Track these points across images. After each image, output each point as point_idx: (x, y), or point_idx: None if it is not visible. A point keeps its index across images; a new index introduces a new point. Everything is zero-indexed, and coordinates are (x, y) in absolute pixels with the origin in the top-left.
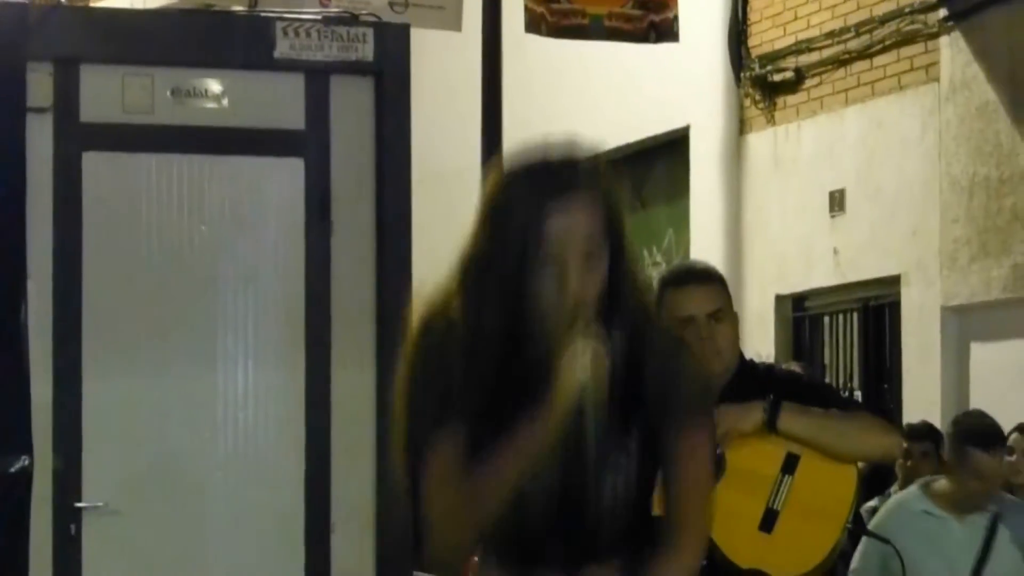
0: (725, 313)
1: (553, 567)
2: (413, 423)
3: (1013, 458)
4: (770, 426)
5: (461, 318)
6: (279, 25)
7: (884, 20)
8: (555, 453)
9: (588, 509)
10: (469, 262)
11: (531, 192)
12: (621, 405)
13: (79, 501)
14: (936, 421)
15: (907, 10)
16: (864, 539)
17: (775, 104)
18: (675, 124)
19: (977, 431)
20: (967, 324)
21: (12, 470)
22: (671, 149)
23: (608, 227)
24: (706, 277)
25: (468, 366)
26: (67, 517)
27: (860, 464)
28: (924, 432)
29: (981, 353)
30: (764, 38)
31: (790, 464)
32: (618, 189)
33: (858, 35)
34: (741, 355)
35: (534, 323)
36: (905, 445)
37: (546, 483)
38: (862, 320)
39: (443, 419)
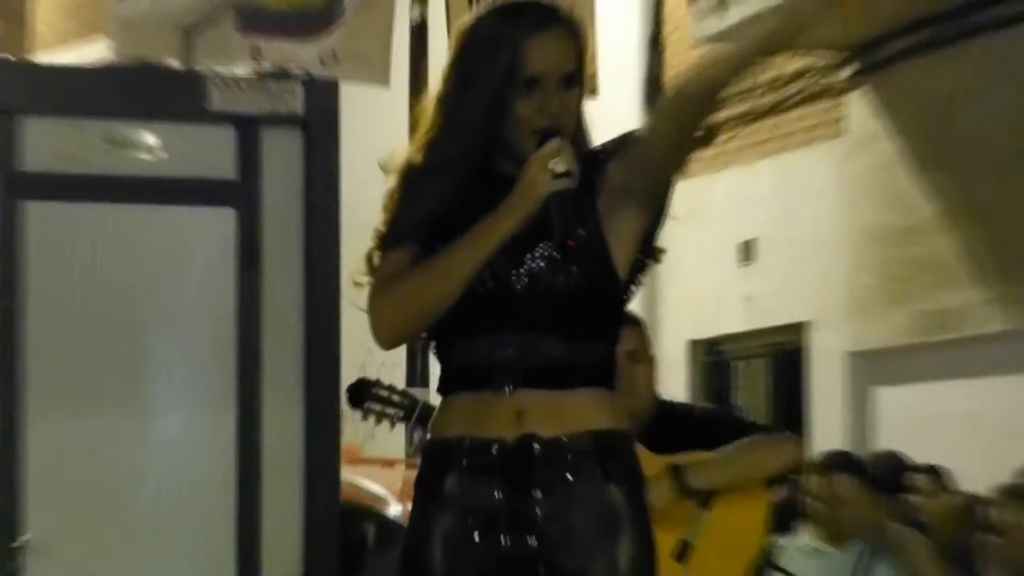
0: (642, 354)
1: (504, 348)
2: (380, 246)
3: (919, 498)
4: (684, 492)
5: (434, 145)
6: (212, 78)
7: (794, 77)
8: (516, 238)
9: (538, 287)
10: (448, 93)
11: (514, 22)
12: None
13: (15, 540)
14: None
15: (817, 67)
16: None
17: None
18: None
19: (839, 458)
20: (873, 369)
21: None
22: None
23: (577, 65)
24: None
25: (435, 188)
26: (4, 556)
27: (772, 498)
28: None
29: (886, 397)
30: None
31: (705, 500)
32: (585, 39)
33: (769, 91)
34: (659, 397)
35: (512, 141)
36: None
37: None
38: (772, 364)
39: (402, 238)
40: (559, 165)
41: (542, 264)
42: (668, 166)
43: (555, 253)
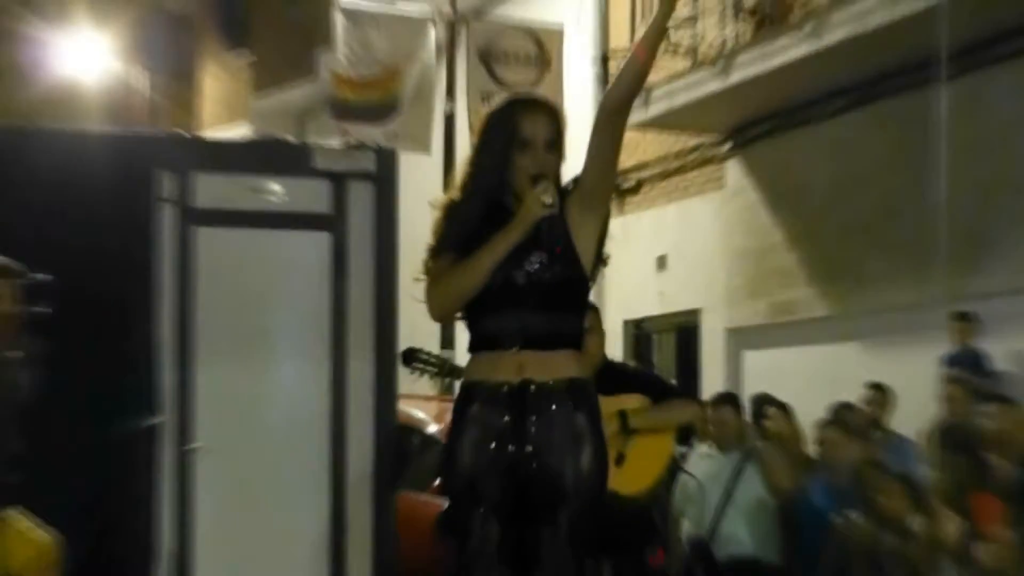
0: (595, 328)
1: (509, 321)
2: (431, 255)
3: (769, 422)
4: (624, 429)
5: (465, 188)
6: (315, 148)
7: (692, 150)
8: (517, 248)
9: (534, 276)
10: (474, 153)
11: (514, 106)
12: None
13: (188, 446)
14: None
15: (706, 143)
16: (680, 474)
17: (624, 202)
18: None
19: (723, 396)
20: (742, 339)
21: (148, 425)
22: None
23: (556, 135)
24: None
25: (466, 215)
26: (182, 455)
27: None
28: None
29: (751, 358)
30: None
31: (634, 429)
32: (563, 120)
33: (675, 159)
34: (606, 358)
35: (515, 184)
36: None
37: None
38: (677, 337)
39: (446, 249)
40: (547, 199)
41: (536, 266)
42: (604, 179)
43: (544, 258)
